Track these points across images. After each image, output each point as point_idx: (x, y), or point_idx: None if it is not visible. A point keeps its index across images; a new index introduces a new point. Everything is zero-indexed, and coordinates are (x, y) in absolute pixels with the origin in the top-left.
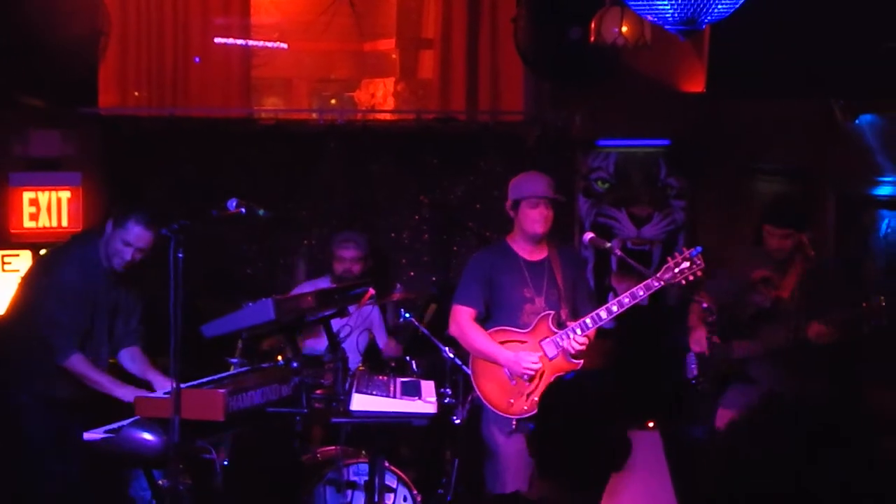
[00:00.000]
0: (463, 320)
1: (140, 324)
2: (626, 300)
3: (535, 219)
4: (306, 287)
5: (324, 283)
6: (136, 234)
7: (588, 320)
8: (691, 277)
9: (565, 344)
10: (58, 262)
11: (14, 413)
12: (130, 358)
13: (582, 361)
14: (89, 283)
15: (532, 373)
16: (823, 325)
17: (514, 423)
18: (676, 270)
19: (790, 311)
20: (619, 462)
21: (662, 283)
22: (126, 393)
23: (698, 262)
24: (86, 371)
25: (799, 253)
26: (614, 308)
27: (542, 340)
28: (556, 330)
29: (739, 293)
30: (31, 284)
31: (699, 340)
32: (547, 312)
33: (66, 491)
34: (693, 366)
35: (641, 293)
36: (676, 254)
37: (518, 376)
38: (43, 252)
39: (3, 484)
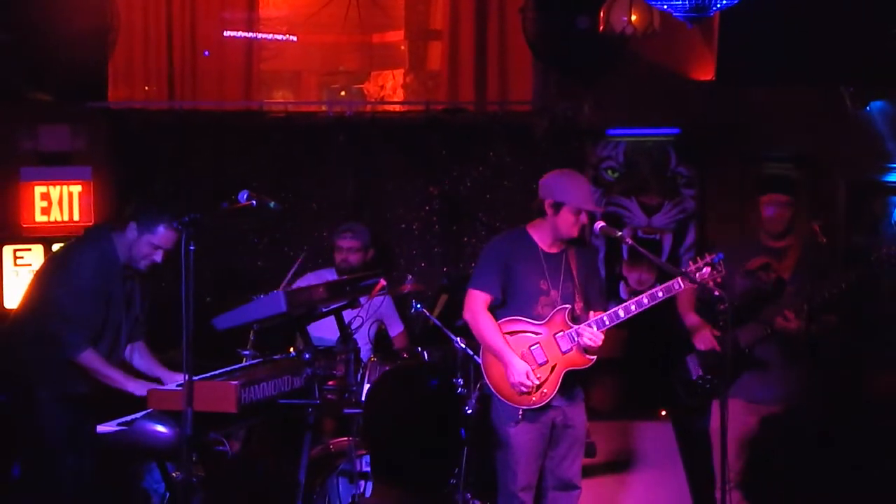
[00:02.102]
0: (477, 307)
1: (145, 314)
2: (646, 301)
3: (573, 223)
4: (310, 278)
5: (329, 273)
6: (166, 237)
7: (605, 318)
8: (711, 283)
9: (580, 339)
10: (72, 258)
11: (31, 408)
12: (138, 354)
13: (595, 357)
14: (104, 279)
15: (524, 389)
16: (789, 315)
17: (520, 412)
18: (697, 276)
19: (791, 291)
20: (454, 464)
21: (684, 286)
22: (138, 387)
23: (720, 268)
24: (98, 366)
25: (797, 235)
26: (633, 307)
27: (556, 334)
28: (571, 324)
29: (731, 283)
30: (45, 280)
31: (704, 339)
32: (564, 306)
33: (80, 485)
34: (695, 366)
35: (661, 294)
36: (698, 258)
37: (510, 382)
38: (56, 247)
39: (20, 478)
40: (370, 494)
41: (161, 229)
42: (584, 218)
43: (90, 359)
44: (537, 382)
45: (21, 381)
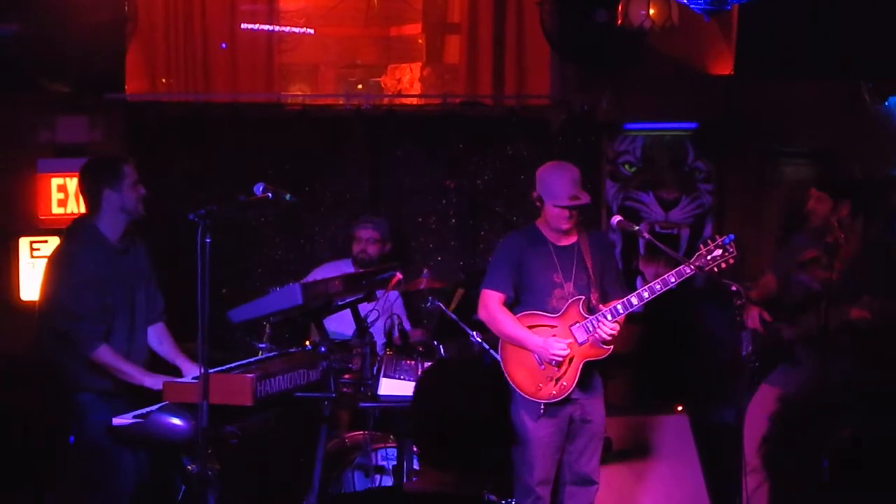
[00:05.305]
0: (492, 305)
1: (157, 290)
2: (658, 287)
3: (559, 217)
4: (327, 269)
5: (345, 265)
6: (132, 171)
7: (619, 306)
8: (723, 265)
9: (595, 330)
10: (62, 255)
11: (74, 408)
12: (157, 338)
13: (611, 347)
14: (99, 265)
15: (560, 359)
16: (865, 309)
17: (542, 407)
18: (709, 258)
19: (836, 294)
20: (504, 447)
21: (695, 270)
22: (154, 382)
23: (731, 249)
24: (112, 362)
25: (844, 234)
26: (645, 294)
27: (572, 325)
28: (586, 315)
29: (788, 274)
30: (46, 282)
31: (753, 317)
32: (577, 297)
33: (138, 479)
34: (748, 342)
35: (673, 280)
36: (709, 241)
37: (546, 362)
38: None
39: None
40: (417, 478)
41: (126, 168)
42: (568, 209)
43: (104, 355)
44: (567, 351)
45: (60, 385)
